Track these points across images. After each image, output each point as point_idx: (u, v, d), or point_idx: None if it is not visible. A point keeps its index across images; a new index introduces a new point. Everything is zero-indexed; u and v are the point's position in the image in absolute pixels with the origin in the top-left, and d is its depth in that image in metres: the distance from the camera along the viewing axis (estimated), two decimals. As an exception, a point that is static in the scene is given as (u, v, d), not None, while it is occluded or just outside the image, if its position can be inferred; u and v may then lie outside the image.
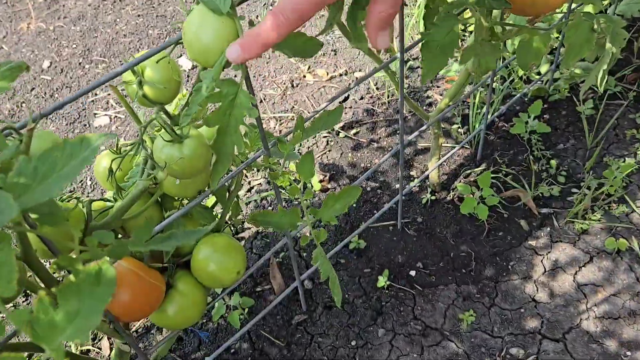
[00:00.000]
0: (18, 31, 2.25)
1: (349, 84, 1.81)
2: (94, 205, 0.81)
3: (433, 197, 1.36)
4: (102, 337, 1.20)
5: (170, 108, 0.84)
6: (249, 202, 1.43)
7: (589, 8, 1.36)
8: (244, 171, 1.17)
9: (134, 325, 1.21)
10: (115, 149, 0.82)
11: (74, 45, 2.13)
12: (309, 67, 1.86)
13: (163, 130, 0.70)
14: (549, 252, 1.20)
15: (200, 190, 0.82)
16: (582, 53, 0.95)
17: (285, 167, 0.79)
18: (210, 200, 1.17)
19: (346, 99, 1.72)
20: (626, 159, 1.32)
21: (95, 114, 1.80)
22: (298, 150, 1.58)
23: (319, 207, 0.77)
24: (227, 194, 0.88)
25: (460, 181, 1.37)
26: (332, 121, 0.77)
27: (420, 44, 0.85)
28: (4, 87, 0.43)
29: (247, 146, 0.88)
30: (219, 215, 0.87)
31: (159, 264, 0.83)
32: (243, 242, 1.34)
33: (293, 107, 1.72)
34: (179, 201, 0.86)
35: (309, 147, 1.58)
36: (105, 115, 1.79)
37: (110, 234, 0.51)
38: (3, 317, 1.21)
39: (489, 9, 0.91)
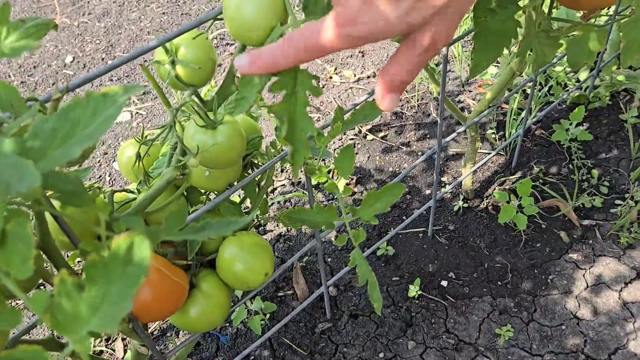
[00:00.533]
0: (42, 26, 2.23)
1: (377, 86, 1.76)
2: (115, 197, 0.76)
3: (465, 205, 1.29)
4: (116, 338, 1.15)
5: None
6: (272, 203, 1.37)
7: None
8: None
9: (149, 327, 1.16)
10: (140, 138, 0.77)
11: (98, 41, 2.10)
12: (336, 69, 1.81)
13: (194, 117, 0.65)
14: (592, 267, 1.12)
15: (230, 184, 0.77)
16: (641, 51, 0.88)
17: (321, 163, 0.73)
18: (235, 199, 1.12)
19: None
20: (674, 170, 1.25)
21: (116, 109, 1.76)
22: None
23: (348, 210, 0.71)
24: (257, 189, 0.82)
25: (494, 189, 1.31)
26: (374, 113, 0.71)
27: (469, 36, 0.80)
28: (28, 46, 0.38)
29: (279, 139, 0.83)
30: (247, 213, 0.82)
31: (183, 261, 0.77)
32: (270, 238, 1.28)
33: (319, 108, 1.66)
34: (206, 196, 0.81)
35: (334, 150, 1.53)
36: (127, 111, 1.75)
37: (139, 220, 0.45)
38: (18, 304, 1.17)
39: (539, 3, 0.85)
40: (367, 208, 0.70)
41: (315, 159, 0.75)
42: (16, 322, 0.32)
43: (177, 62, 0.62)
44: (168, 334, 1.13)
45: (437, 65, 1.69)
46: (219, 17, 0.59)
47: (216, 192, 0.79)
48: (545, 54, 0.82)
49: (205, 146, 0.62)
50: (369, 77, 1.76)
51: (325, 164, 1.39)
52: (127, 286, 0.32)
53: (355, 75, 1.77)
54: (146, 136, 0.78)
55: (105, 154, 1.60)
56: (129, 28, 2.15)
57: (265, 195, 0.85)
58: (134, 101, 1.78)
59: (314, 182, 1.11)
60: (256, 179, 0.81)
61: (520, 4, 0.80)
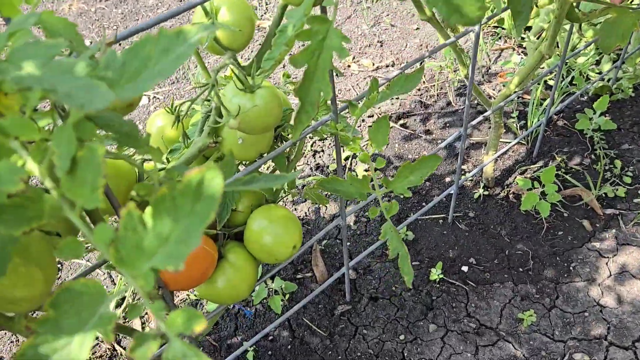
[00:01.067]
0: (59, 12, 2.24)
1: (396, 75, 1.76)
2: (145, 167, 0.76)
3: (486, 192, 1.28)
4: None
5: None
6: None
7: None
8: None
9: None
10: (170, 108, 0.77)
11: (115, 27, 2.10)
12: (354, 57, 1.80)
13: (232, 82, 0.64)
14: (615, 255, 1.11)
15: (260, 155, 0.76)
16: (676, 34, 0.87)
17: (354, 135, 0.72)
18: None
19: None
20: (698, 162, 1.24)
21: (134, 93, 1.76)
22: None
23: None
24: (287, 162, 0.82)
25: (515, 177, 1.30)
26: (411, 85, 0.71)
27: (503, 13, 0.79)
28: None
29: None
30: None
31: (212, 231, 0.77)
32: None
33: (338, 95, 1.66)
34: (237, 166, 0.80)
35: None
36: (144, 95, 1.75)
37: (187, 168, 0.45)
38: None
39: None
40: (401, 180, 0.70)
41: (347, 131, 0.75)
42: (79, 253, 0.31)
43: (217, 24, 0.61)
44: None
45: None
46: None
47: (245, 164, 0.79)
48: (624, 32, 0.81)
49: (243, 109, 0.62)
50: (387, 66, 1.75)
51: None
52: (196, 222, 0.31)
53: (374, 64, 1.76)
54: (179, 105, 0.77)
55: (123, 136, 1.59)
56: (147, 15, 2.15)
57: (293, 170, 0.84)
58: (151, 85, 1.78)
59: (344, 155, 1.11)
60: (285, 152, 0.81)
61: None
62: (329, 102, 0.77)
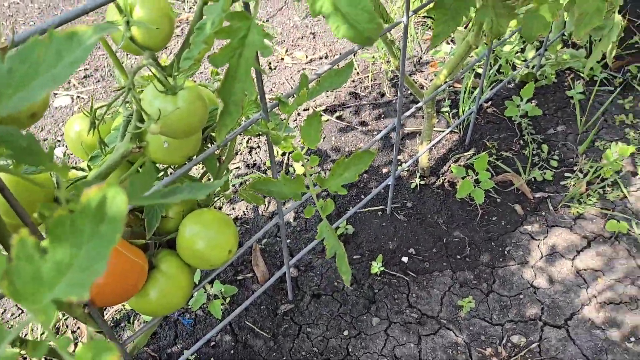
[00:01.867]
0: (-32, 6, 2.08)
1: (329, 67, 1.74)
2: (70, 175, 0.71)
3: (422, 182, 1.30)
4: (65, 331, 1.08)
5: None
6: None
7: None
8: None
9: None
10: (89, 111, 0.72)
11: (31, 23, 1.97)
12: (287, 50, 1.78)
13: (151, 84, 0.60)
14: (546, 237, 1.16)
15: (189, 159, 0.73)
16: (593, 22, 0.91)
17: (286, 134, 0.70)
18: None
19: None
20: (618, 143, 1.30)
21: (55, 93, 1.66)
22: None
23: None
24: (218, 164, 0.78)
25: (450, 165, 1.32)
26: (341, 80, 0.69)
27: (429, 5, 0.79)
28: None
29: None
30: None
31: (141, 240, 0.73)
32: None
33: (271, 89, 1.63)
34: (164, 171, 0.76)
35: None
36: (67, 95, 1.66)
37: (96, 182, 0.41)
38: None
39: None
40: (335, 178, 0.68)
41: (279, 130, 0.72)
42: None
43: (132, 22, 0.57)
44: (122, 325, 1.08)
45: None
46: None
47: (174, 168, 0.75)
48: (500, 25, 0.82)
49: (165, 113, 0.58)
50: (321, 58, 1.74)
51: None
52: (99, 246, 0.28)
53: (307, 57, 1.74)
54: (96, 109, 0.72)
55: (45, 139, 1.50)
56: (66, 9, 2.03)
57: (226, 171, 0.81)
58: (74, 85, 1.68)
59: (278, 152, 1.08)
60: (216, 152, 0.78)
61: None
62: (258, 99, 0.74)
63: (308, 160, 0.70)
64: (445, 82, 1.11)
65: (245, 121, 0.74)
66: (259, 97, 0.69)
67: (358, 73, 1.66)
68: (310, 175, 0.69)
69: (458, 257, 1.14)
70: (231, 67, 0.51)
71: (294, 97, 0.70)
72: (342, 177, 0.68)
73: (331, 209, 0.69)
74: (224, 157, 0.79)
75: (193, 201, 0.78)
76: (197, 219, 0.75)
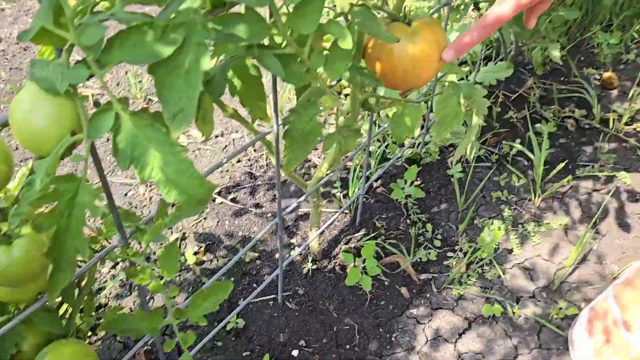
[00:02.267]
0: None
1: (225, 146, 1.75)
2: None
3: (314, 267, 1.31)
4: None
5: None
6: (115, 279, 1.27)
7: (452, 77, 1.43)
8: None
9: None
10: None
11: None
12: (183, 128, 1.76)
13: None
14: (430, 320, 1.19)
15: (42, 292, 0.69)
16: (453, 125, 0.97)
17: (150, 254, 0.69)
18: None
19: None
20: (494, 221, 1.38)
21: None
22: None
23: (195, 284, 0.68)
24: (77, 291, 0.75)
25: (340, 248, 1.34)
26: (201, 207, 0.69)
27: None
28: None
29: (102, 233, 0.77)
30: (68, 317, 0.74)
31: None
32: (104, 333, 1.17)
33: (165, 171, 1.60)
34: (15, 305, 0.72)
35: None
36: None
37: None
38: None
39: (360, 85, 0.90)
40: (195, 309, 0.67)
41: (140, 255, 0.70)
42: None
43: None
44: None
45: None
46: (5, 124, 0.53)
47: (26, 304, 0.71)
48: (348, 144, 0.87)
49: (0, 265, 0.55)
50: (217, 136, 1.74)
51: (161, 246, 1.31)
52: None
53: (202, 135, 1.73)
54: None
55: None
56: (-56, 84, 1.92)
57: (88, 296, 0.78)
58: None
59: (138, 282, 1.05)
60: (74, 280, 0.74)
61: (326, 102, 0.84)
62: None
63: (167, 291, 0.68)
64: (327, 175, 1.14)
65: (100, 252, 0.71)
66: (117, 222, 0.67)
67: (255, 150, 1.67)
68: (172, 307, 0.67)
69: (347, 347, 1.15)
70: (60, 228, 0.49)
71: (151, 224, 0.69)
72: (202, 307, 0.67)
73: (192, 341, 0.67)
74: (83, 282, 0.75)
75: (49, 332, 0.74)
76: (55, 353, 0.70)
